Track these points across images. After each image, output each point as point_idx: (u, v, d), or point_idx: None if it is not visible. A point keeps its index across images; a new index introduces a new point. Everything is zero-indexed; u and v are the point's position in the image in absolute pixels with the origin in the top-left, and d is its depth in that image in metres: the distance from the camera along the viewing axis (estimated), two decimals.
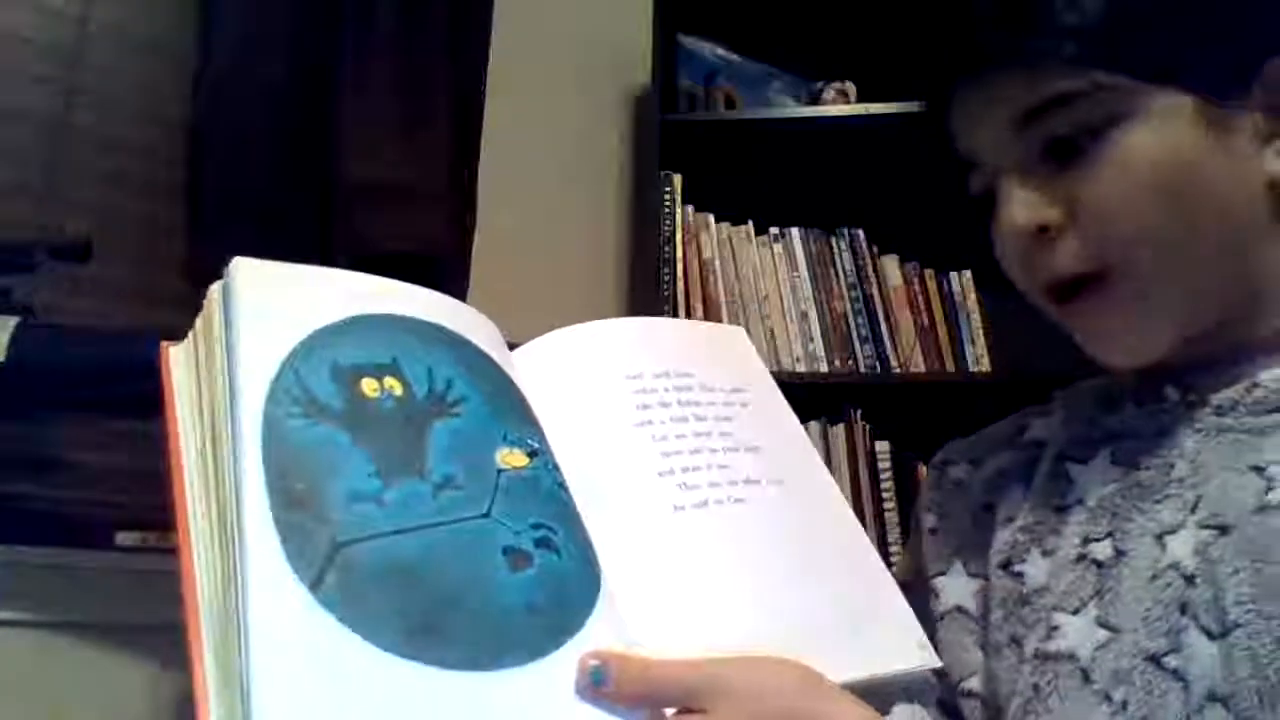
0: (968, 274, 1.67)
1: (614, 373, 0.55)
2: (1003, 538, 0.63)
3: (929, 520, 0.71)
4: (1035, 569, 0.60)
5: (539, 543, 0.46)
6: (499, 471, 0.48)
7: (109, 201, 1.42)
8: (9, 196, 1.34)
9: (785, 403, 0.60)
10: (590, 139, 1.85)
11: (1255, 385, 0.57)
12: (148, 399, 0.50)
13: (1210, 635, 0.51)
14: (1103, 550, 0.58)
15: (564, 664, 0.44)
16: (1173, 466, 0.57)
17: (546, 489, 0.49)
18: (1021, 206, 0.58)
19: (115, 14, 1.47)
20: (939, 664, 0.53)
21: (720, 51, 1.75)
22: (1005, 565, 0.62)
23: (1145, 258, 0.55)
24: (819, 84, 1.70)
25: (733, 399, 0.58)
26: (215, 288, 0.49)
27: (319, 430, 0.45)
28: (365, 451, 0.45)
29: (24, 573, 1.13)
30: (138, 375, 0.59)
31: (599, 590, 0.47)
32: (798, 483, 0.56)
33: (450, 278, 1.67)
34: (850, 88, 1.68)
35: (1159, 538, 0.56)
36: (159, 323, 1.44)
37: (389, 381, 0.48)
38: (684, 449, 0.53)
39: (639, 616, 0.47)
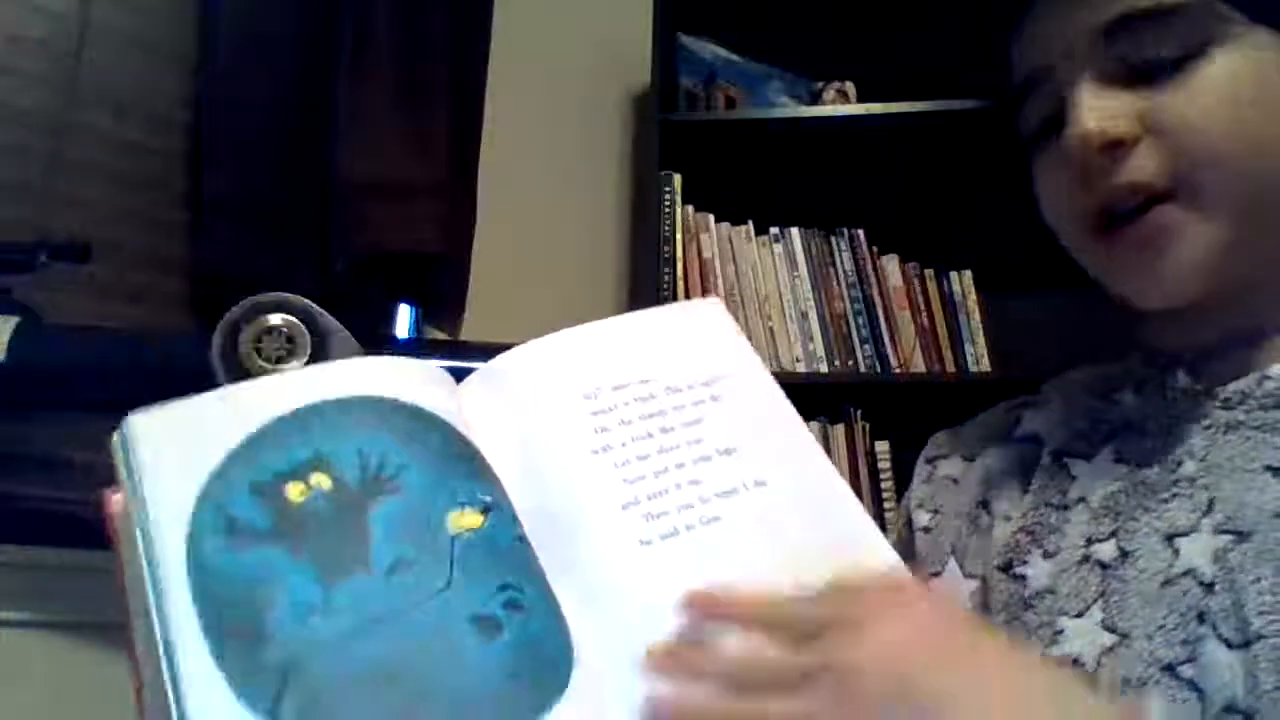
0: (968, 274, 1.67)
1: (568, 394, 0.51)
2: (1001, 538, 0.62)
3: (922, 518, 0.69)
4: (1037, 571, 0.59)
5: (508, 605, 0.44)
6: (453, 539, 0.45)
7: (109, 201, 1.42)
8: (9, 196, 1.34)
9: (769, 382, 0.54)
10: (590, 139, 1.85)
11: (1266, 378, 0.56)
12: (147, 399, 0.50)
13: (1230, 645, 0.50)
14: (1107, 551, 0.56)
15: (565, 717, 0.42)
16: (1180, 464, 0.56)
17: (506, 545, 0.46)
18: (1096, 116, 0.55)
19: (115, 14, 1.47)
20: None
21: (720, 51, 1.75)
22: (1006, 568, 0.61)
23: (1216, 178, 0.54)
24: (819, 84, 1.70)
25: (703, 395, 0.52)
26: (114, 442, 0.47)
27: (250, 555, 0.43)
28: (303, 561, 0.43)
29: (24, 573, 1.13)
30: (138, 375, 0.59)
31: (571, 643, 0.44)
32: (783, 478, 0.51)
33: (450, 278, 1.67)
34: (850, 88, 1.68)
35: (1168, 539, 0.55)
36: (159, 323, 1.45)
37: (315, 479, 0.45)
38: (648, 472, 0.49)
39: (612, 670, 0.44)
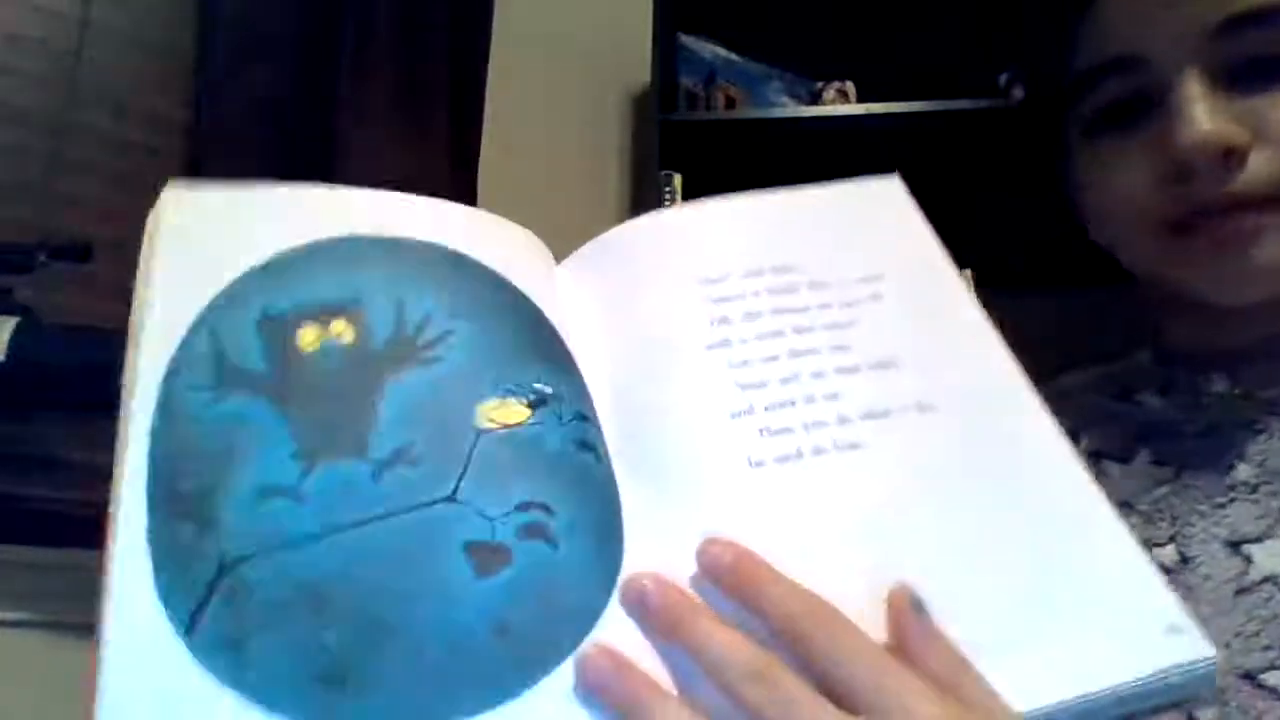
0: (968, 274, 1.66)
1: (685, 276, 0.42)
2: None
3: None
4: None
5: (525, 530, 0.34)
6: (477, 434, 0.35)
7: (109, 201, 1.42)
8: (9, 196, 1.34)
9: (957, 285, 0.44)
10: (590, 139, 1.85)
11: None
12: None
13: None
14: (1168, 555, 0.54)
15: (540, 710, 0.32)
16: (1232, 468, 0.55)
17: (551, 451, 0.35)
18: (1210, 119, 0.52)
19: (115, 14, 1.47)
20: (1211, 651, 0.35)
21: (720, 51, 1.75)
22: None
23: None
24: (819, 84, 1.70)
25: (859, 293, 0.42)
26: (149, 221, 0.39)
27: (227, 405, 0.34)
28: (287, 427, 0.34)
29: (24, 573, 1.13)
30: None
31: (608, 594, 0.34)
32: (963, 403, 0.39)
33: None
34: (850, 88, 1.68)
35: (1233, 546, 0.53)
36: None
37: (337, 326, 0.36)
38: (771, 378, 0.39)
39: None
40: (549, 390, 0.37)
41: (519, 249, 0.43)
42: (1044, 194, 0.64)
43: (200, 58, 1.54)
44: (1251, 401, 0.56)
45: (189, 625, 0.31)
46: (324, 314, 0.37)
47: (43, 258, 1.02)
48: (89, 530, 0.45)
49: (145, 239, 0.38)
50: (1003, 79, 1.65)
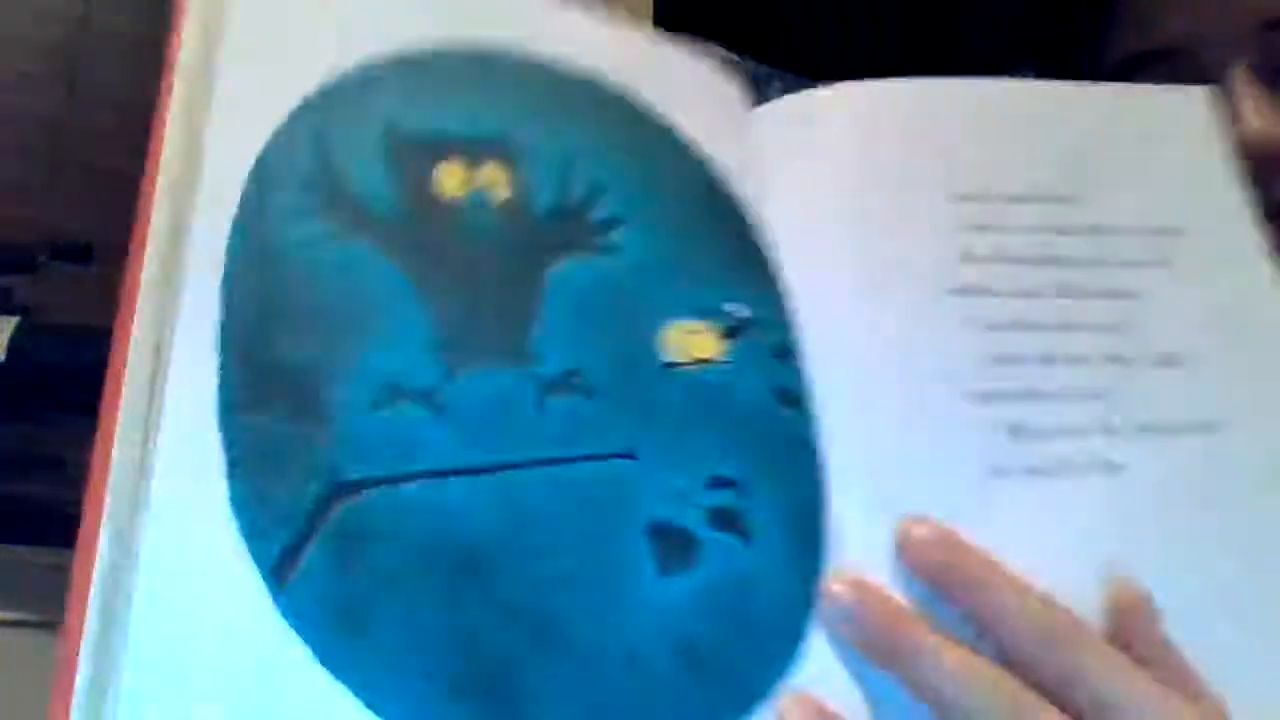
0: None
1: (933, 180, 0.31)
2: None
3: None
4: None
5: (716, 516, 0.26)
6: (662, 368, 0.26)
7: (109, 201, 1.42)
8: (10, 196, 1.34)
9: (1262, 250, 0.32)
10: None
11: None
12: None
13: None
14: None
15: None
16: None
17: (746, 403, 0.27)
18: (1258, 117, 0.48)
19: (115, 14, 1.47)
20: None
21: (720, 52, 1.75)
22: None
23: None
24: (819, 84, 1.70)
25: (1146, 253, 0.31)
26: None
27: (345, 248, 0.24)
28: (425, 299, 0.25)
29: (24, 573, 1.13)
30: None
31: (810, 615, 0.26)
32: (1259, 424, 0.30)
33: None
34: None
35: None
36: None
37: (489, 172, 0.27)
38: (1028, 353, 0.29)
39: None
40: (747, 313, 0.28)
41: (710, 99, 0.32)
42: None
43: None
44: None
45: (277, 569, 0.22)
46: (470, 151, 0.27)
47: (43, 258, 1.02)
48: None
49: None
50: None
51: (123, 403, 0.24)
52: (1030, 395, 0.29)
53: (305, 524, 0.22)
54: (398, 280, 0.25)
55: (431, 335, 0.25)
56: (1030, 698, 0.26)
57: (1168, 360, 0.30)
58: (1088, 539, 0.28)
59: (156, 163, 0.26)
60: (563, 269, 0.27)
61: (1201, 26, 0.52)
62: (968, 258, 0.30)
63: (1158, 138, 0.34)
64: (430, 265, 0.25)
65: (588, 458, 0.25)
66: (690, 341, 0.27)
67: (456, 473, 0.24)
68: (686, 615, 0.24)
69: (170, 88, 0.28)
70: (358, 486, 0.23)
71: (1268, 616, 0.28)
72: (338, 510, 0.23)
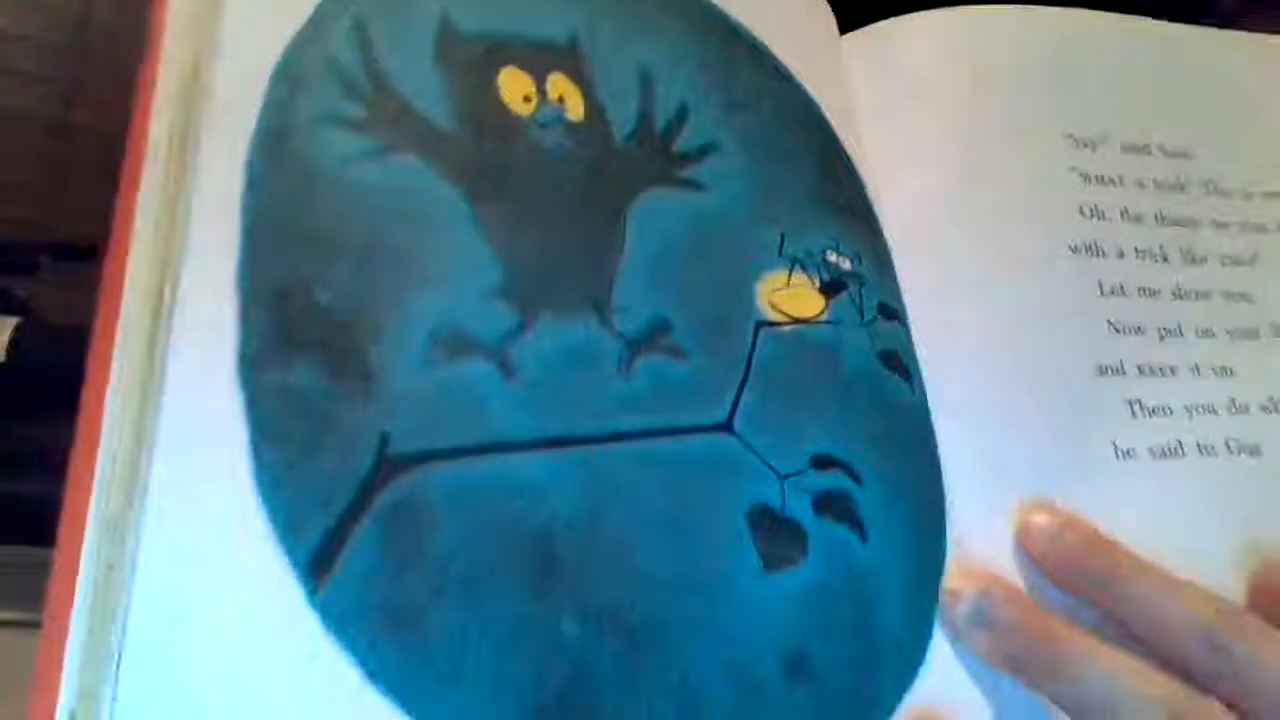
0: None
1: (1050, 120, 0.26)
2: None
3: None
4: None
5: (824, 502, 0.20)
6: (759, 326, 0.21)
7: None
8: (9, 196, 1.34)
9: None
10: None
11: None
12: None
13: None
14: None
15: None
16: None
17: (851, 369, 0.22)
18: None
19: (115, 14, 1.47)
20: None
21: None
22: None
23: None
24: None
25: (1267, 216, 0.27)
26: None
27: (395, 167, 0.18)
28: (491, 233, 0.19)
29: (24, 573, 1.13)
30: None
31: (933, 618, 0.20)
32: None
33: None
34: None
35: None
36: None
37: (558, 83, 0.21)
38: (1150, 322, 0.25)
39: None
40: (848, 265, 0.22)
41: (803, 20, 0.25)
42: None
43: None
44: None
45: (314, 563, 0.16)
46: (537, 59, 0.20)
47: (43, 258, 1.02)
48: None
49: None
50: None
51: (116, 359, 0.16)
52: (1155, 370, 0.24)
53: (348, 507, 0.16)
54: (459, 207, 0.18)
55: (499, 277, 0.18)
56: (1197, 698, 0.23)
57: None
58: (1223, 524, 0.23)
59: (156, 56, 0.19)
60: (646, 204, 0.20)
61: None
62: (1085, 211, 0.25)
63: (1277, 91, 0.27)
64: (495, 193, 0.19)
65: (681, 430, 0.19)
66: (789, 296, 0.21)
67: (531, 446, 0.17)
68: (796, 620, 0.19)
69: None
70: (413, 461, 0.17)
71: None
72: (388, 490, 0.16)
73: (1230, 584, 0.24)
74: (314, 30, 0.19)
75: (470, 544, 0.18)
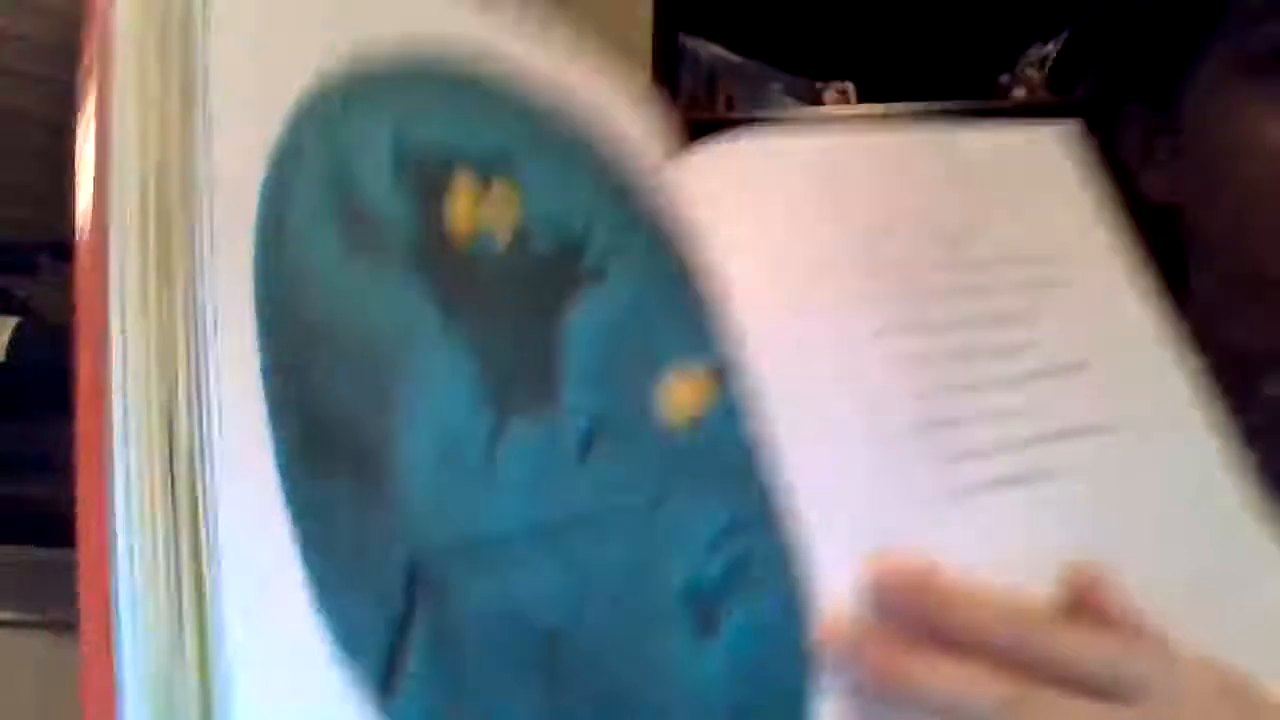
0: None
1: (849, 219, 0.32)
2: None
3: None
4: None
5: (734, 569, 0.24)
6: (667, 422, 0.25)
7: None
8: (9, 196, 1.34)
9: (1132, 269, 0.35)
10: None
11: None
12: None
13: None
14: None
15: None
16: None
17: (737, 451, 0.26)
18: None
19: None
20: None
21: (720, 51, 1.75)
22: None
23: None
24: (819, 84, 1.70)
25: (1034, 276, 0.33)
26: None
27: (379, 276, 0.21)
28: (463, 340, 0.22)
29: (24, 573, 1.13)
30: None
31: (808, 665, 0.25)
32: (1160, 424, 0.33)
33: None
34: (850, 88, 1.68)
35: None
36: None
37: (500, 188, 0.24)
38: (954, 381, 0.30)
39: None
40: (726, 360, 0.27)
41: (651, 141, 0.30)
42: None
43: None
44: None
45: (385, 676, 0.18)
46: (479, 170, 0.24)
47: (43, 258, 1.02)
48: None
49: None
50: (1003, 79, 1.66)
51: (118, 484, 0.17)
52: (963, 419, 0.30)
53: (401, 618, 0.18)
54: (435, 310, 0.22)
55: (478, 383, 0.22)
56: (1028, 686, 0.28)
57: (1072, 369, 0.32)
58: (1042, 538, 0.29)
59: (105, 153, 0.20)
60: (576, 309, 0.25)
61: None
62: (888, 297, 0.31)
63: (1031, 172, 0.36)
64: (460, 306, 0.22)
65: (623, 510, 0.23)
66: (684, 388, 0.26)
67: (512, 536, 0.21)
68: (731, 676, 0.23)
69: (103, 57, 0.21)
70: (438, 563, 0.19)
71: (1183, 601, 0.30)
72: (425, 591, 0.19)
73: (1053, 588, 0.30)
74: (289, 136, 0.21)
75: (494, 634, 0.20)
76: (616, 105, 0.31)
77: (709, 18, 1.74)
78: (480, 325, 0.23)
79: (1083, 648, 0.29)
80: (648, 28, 1.65)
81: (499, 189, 0.24)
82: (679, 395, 0.26)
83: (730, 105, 1.69)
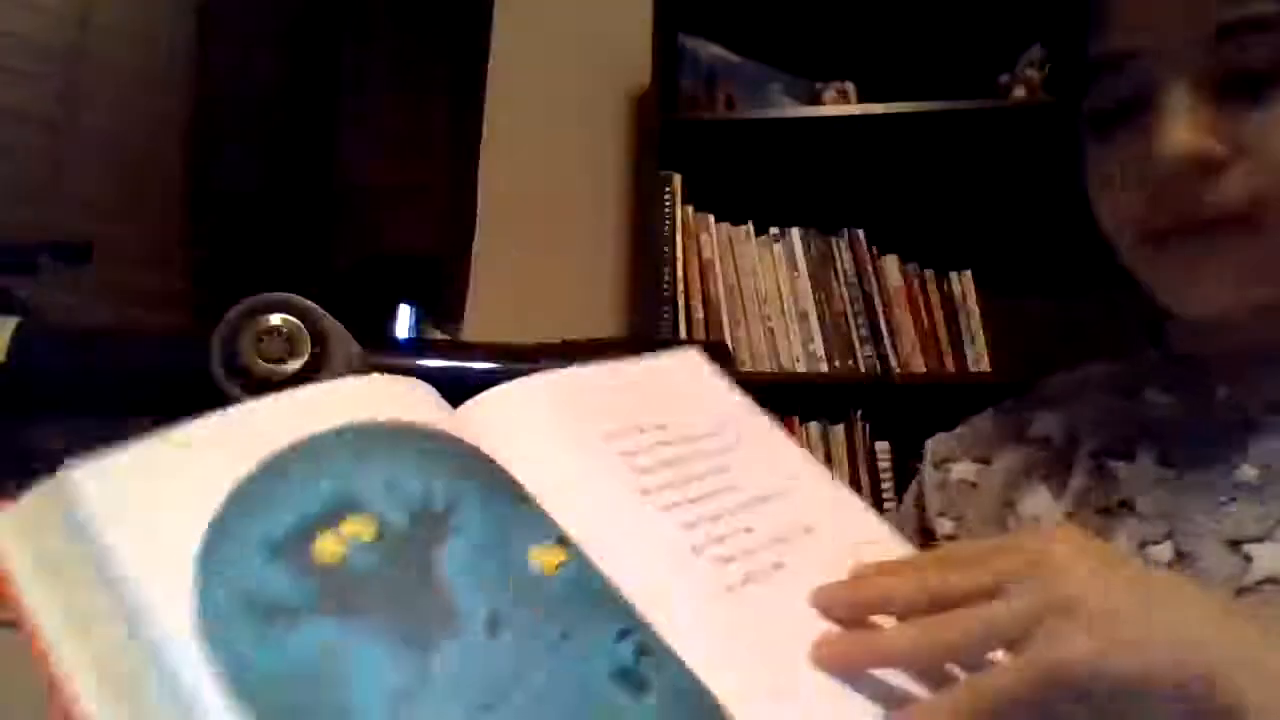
0: (968, 274, 1.67)
1: (590, 434, 0.45)
2: None
3: (945, 525, 0.67)
4: None
5: (638, 651, 0.34)
6: (543, 578, 0.36)
7: (109, 201, 1.42)
8: (9, 196, 1.34)
9: (773, 425, 0.50)
10: (590, 139, 1.85)
11: None
12: (148, 400, 0.50)
13: None
14: (1163, 554, 0.55)
15: None
16: (1236, 468, 0.55)
17: (601, 584, 0.37)
18: (1190, 131, 0.51)
19: (115, 14, 1.47)
20: None
21: (720, 51, 1.75)
22: None
23: None
24: (819, 84, 1.70)
25: (718, 443, 0.48)
26: (44, 496, 0.34)
27: (297, 638, 0.31)
28: (373, 634, 0.32)
29: None
30: (138, 376, 0.59)
31: (710, 698, 0.35)
32: (826, 521, 0.46)
33: (450, 278, 1.67)
34: (850, 88, 1.68)
35: (1234, 544, 0.53)
36: (159, 323, 1.44)
37: (350, 528, 0.34)
38: (701, 517, 0.43)
39: None
40: (560, 532, 0.38)
41: (431, 405, 0.42)
42: (1055, 193, 0.63)
43: (200, 58, 1.54)
44: (1257, 402, 0.56)
45: None
46: (327, 520, 0.34)
47: (43, 258, 1.02)
48: None
49: (67, 538, 0.33)
50: (1003, 79, 1.66)
51: None
52: (717, 540, 0.42)
53: None
54: (347, 636, 0.31)
55: (391, 645, 0.31)
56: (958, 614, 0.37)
57: (767, 497, 0.46)
58: (795, 607, 0.41)
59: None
60: (445, 550, 0.35)
61: (1151, 35, 0.53)
62: (635, 471, 0.44)
63: (680, 380, 0.51)
64: (358, 610, 0.32)
65: (544, 656, 0.33)
66: (547, 555, 0.37)
67: (482, 709, 0.31)
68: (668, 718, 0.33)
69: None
70: None
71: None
72: None
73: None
74: (203, 590, 0.31)
75: None
76: (427, 399, 0.42)
77: (709, 18, 1.74)
78: (373, 607, 0.32)
79: (969, 565, 0.39)
80: (648, 28, 1.66)
81: (349, 525, 0.34)
82: (547, 556, 0.36)
83: (730, 105, 1.70)
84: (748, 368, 1.58)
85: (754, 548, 0.43)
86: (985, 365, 1.61)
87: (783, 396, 1.57)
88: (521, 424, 0.44)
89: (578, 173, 1.83)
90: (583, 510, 0.40)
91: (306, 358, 0.54)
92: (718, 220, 1.66)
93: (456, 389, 0.57)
